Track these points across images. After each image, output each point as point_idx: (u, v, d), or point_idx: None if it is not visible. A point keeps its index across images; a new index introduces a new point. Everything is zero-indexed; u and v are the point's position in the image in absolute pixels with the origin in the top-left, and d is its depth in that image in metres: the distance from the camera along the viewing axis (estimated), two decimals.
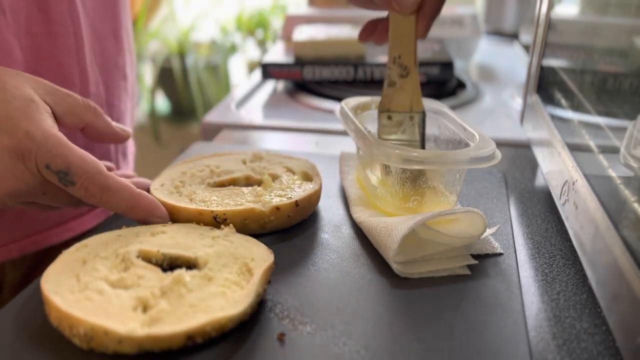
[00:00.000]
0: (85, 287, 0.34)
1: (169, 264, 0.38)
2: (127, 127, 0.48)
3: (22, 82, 0.41)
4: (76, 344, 0.32)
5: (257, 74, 0.98)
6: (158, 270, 0.36)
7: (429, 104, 0.53)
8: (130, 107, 0.66)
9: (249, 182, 0.50)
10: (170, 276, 0.35)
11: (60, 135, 0.40)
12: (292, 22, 1.05)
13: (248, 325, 0.34)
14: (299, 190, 0.46)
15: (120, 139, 0.47)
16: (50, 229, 0.56)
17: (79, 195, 0.40)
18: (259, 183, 0.49)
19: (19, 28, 0.48)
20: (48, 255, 0.58)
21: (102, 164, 0.41)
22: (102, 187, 0.40)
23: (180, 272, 0.35)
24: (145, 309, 0.33)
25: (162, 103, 2.23)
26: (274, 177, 0.49)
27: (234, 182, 0.49)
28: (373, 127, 0.53)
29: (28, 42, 0.49)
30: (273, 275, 0.39)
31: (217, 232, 0.41)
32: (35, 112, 0.40)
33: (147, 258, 0.38)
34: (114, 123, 0.47)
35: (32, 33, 0.49)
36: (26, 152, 0.38)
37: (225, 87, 2.17)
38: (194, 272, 0.36)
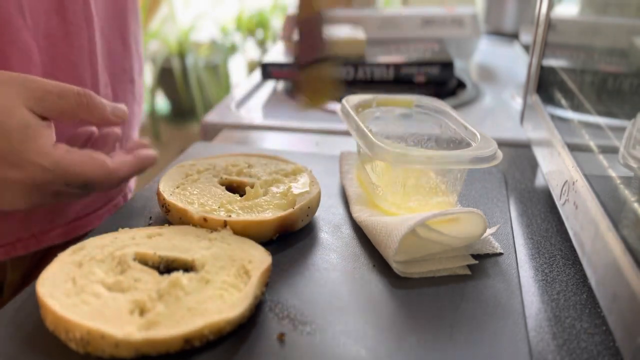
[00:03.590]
0: (81, 291, 0.34)
1: (166, 267, 0.38)
2: (123, 108, 0.48)
3: (10, 98, 0.40)
4: (72, 348, 0.31)
5: (257, 74, 0.98)
6: (155, 273, 0.36)
7: (431, 102, 0.53)
8: (138, 111, 0.67)
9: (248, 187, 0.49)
10: (167, 279, 0.35)
11: (66, 152, 0.42)
12: (292, 22, 1.04)
13: (248, 325, 0.34)
14: (250, 214, 0.43)
15: (115, 124, 0.48)
16: (56, 228, 0.56)
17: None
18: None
19: (37, 31, 0.49)
20: (49, 253, 0.59)
21: (107, 160, 0.45)
22: (114, 184, 0.47)
23: (177, 275, 0.35)
24: (142, 312, 0.32)
25: (162, 103, 2.23)
26: (266, 192, 0.47)
27: (240, 185, 0.49)
28: (374, 125, 0.53)
29: (45, 44, 0.50)
30: (273, 275, 0.39)
31: (214, 234, 0.41)
32: (37, 138, 0.40)
33: (143, 261, 0.38)
34: (108, 109, 0.46)
35: (49, 35, 0.50)
36: (42, 183, 0.41)
37: (225, 87, 2.17)
38: (191, 274, 0.36)
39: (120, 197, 0.65)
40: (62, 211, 0.57)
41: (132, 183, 0.68)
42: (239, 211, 0.43)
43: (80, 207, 0.58)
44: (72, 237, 0.58)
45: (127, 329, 0.31)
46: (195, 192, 0.45)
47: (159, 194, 0.45)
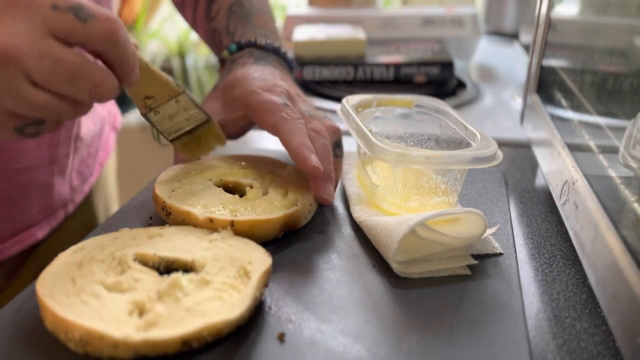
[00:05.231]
0: (81, 291, 0.33)
1: (166, 267, 0.38)
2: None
3: None
4: (71, 348, 0.31)
5: None
6: (155, 273, 0.36)
7: (431, 102, 0.53)
8: (114, 112, 0.66)
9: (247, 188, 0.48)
10: (166, 280, 0.35)
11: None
12: (292, 22, 1.04)
13: (248, 325, 0.34)
14: (255, 213, 0.43)
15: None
16: (3, 241, 0.57)
17: (98, 34, 0.33)
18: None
19: None
20: (33, 253, 0.60)
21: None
22: (123, 32, 0.35)
23: (177, 276, 0.35)
24: (141, 313, 0.32)
25: None
26: (266, 191, 0.47)
27: (237, 185, 0.49)
28: (374, 125, 0.53)
29: None
30: (273, 275, 0.39)
31: (214, 235, 0.40)
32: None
33: (143, 261, 0.37)
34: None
35: None
36: (24, 4, 0.32)
37: None
38: (191, 275, 0.36)
39: (62, 211, 0.64)
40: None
41: (79, 196, 0.67)
42: (243, 211, 0.43)
43: (24, 218, 0.58)
44: (20, 249, 0.59)
45: (125, 329, 0.30)
46: (193, 195, 0.45)
47: (156, 197, 0.45)
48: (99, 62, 0.36)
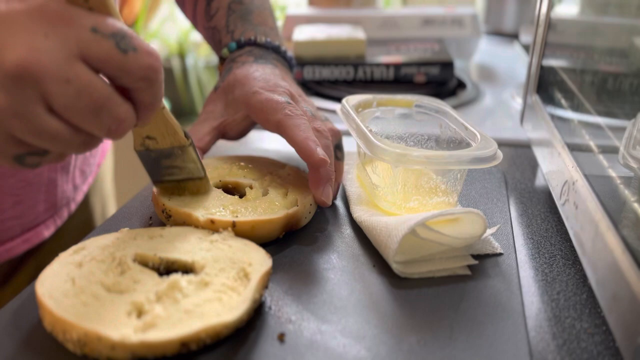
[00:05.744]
0: (81, 291, 0.33)
1: (166, 268, 0.38)
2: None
3: None
4: (69, 349, 0.31)
5: None
6: (154, 274, 0.36)
7: (431, 102, 0.53)
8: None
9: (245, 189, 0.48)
10: (166, 281, 0.35)
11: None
12: (292, 22, 1.04)
13: (249, 324, 0.34)
14: (256, 214, 0.43)
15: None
16: (12, 239, 0.57)
17: (136, 68, 0.31)
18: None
19: None
20: (29, 255, 0.60)
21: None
22: (162, 71, 0.32)
23: (176, 277, 0.35)
24: (139, 314, 0.32)
25: None
26: (266, 192, 0.47)
27: (236, 186, 0.49)
28: (374, 125, 0.53)
29: None
30: (273, 275, 0.39)
31: (215, 235, 0.40)
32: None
33: (143, 262, 0.37)
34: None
35: None
36: (60, 18, 0.29)
37: None
38: (191, 277, 0.35)
39: (65, 209, 0.64)
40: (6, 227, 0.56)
41: (80, 195, 0.67)
42: (244, 212, 0.43)
43: (31, 216, 0.58)
44: (28, 248, 0.58)
45: (123, 331, 0.30)
46: (193, 197, 0.45)
47: (156, 200, 0.45)
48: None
